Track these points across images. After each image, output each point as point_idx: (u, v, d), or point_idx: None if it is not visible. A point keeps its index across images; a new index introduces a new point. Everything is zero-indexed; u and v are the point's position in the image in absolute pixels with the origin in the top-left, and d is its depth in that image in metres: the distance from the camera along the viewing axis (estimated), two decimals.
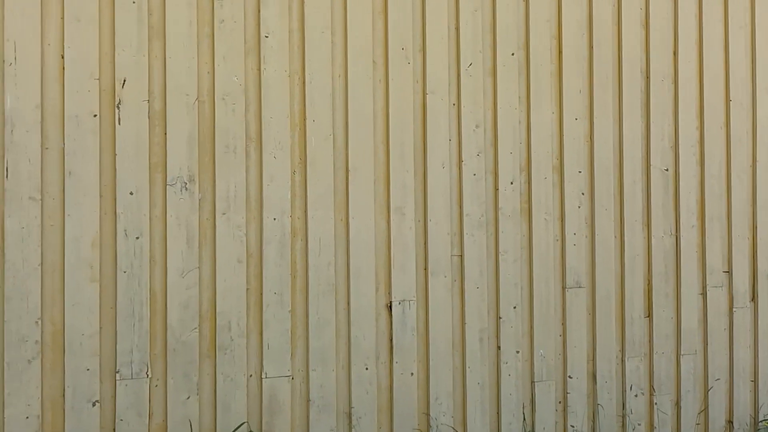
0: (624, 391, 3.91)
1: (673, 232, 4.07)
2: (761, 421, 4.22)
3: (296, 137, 3.28)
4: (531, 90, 3.74)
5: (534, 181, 3.74)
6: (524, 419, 3.64)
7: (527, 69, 3.74)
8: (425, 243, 3.51)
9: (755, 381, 4.26)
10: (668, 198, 4.06)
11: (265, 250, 3.20)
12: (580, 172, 3.85)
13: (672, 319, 4.06)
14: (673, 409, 4.04)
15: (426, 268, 3.50)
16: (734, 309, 4.21)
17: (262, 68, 3.23)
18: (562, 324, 3.80)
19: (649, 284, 4.00)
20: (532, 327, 3.72)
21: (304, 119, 3.28)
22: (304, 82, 3.28)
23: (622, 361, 3.93)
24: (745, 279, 4.23)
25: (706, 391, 4.11)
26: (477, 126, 3.62)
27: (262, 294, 3.19)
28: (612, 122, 3.92)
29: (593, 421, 3.82)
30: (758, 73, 4.29)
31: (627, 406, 3.90)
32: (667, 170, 4.06)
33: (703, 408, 3.96)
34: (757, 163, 4.29)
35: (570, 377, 3.80)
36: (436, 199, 3.53)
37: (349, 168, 3.36)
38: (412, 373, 3.46)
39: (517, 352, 3.69)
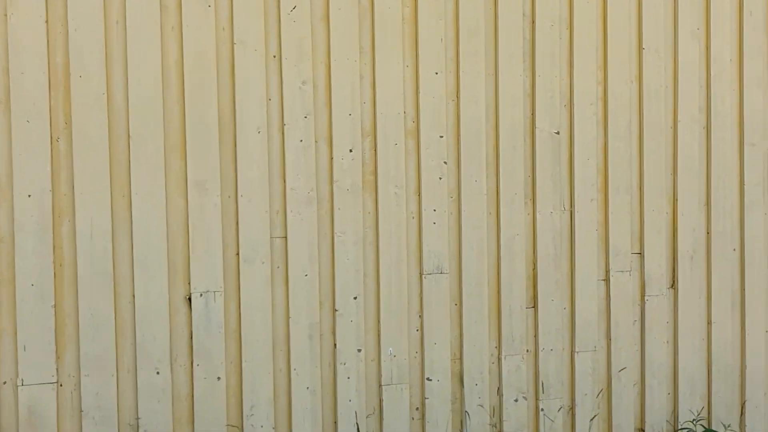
0: (500, 395, 3.28)
1: (567, 206, 3.38)
2: (680, 429, 3.55)
3: (59, 97, 2.70)
4: (376, 38, 3.08)
5: (381, 149, 3.08)
6: (366, 430, 3.05)
7: (372, 12, 3.07)
8: (236, 224, 2.90)
9: (674, 381, 3.57)
10: (560, 167, 3.35)
11: (18, 235, 2.65)
12: (441, 136, 3.17)
13: (565, 309, 3.38)
14: (565, 415, 3.39)
15: (237, 254, 2.91)
16: (646, 297, 3.50)
17: (8, 13, 2.65)
18: (420, 317, 3.15)
19: (534, 269, 3.32)
20: (378, 321, 3.09)
21: (69, 75, 2.70)
22: (67, 30, 2.69)
23: (499, 359, 3.28)
24: (661, 261, 3.51)
25: (610, 394, 3.45)
26: (304, 83, 2.96)
27: (15, 287, 2.66)
28: (484, 76, 3.21)
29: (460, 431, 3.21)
30: (681, 13, 3.55)
31: (504, 412, 3.27)
32: (558, 133, 3.35)
33: (600, 413, 3.29)
34: (679, 123, 3.56)
35: (429, 379, 3.17)
36: (250, 171, 2.89)
37: (131, 134, 2.77)
38: (219, 378, 2.88)
39: (359, 350, 3.06)
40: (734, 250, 3.55)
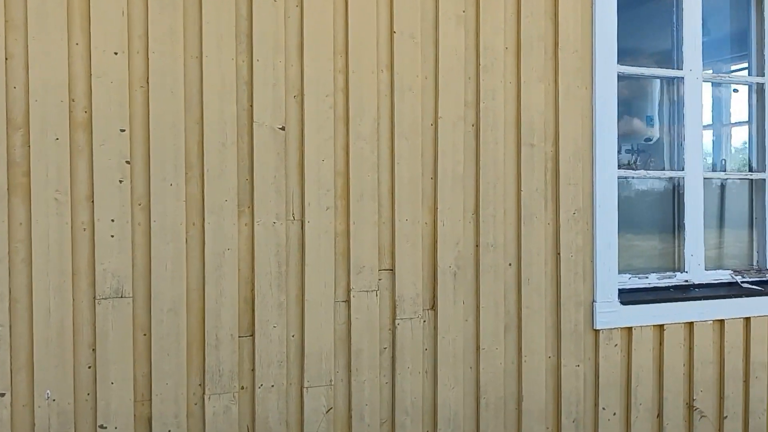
0: None
1: (297, 216, 2.85)
2: None
3: None
4: (30, 9, 2.49)
5: (36, 144, 2.41)
6: None
7: None
8: None
9: (433, 418, 3.06)
10: (286, 169, 2.82)
11: None
12: (123, 130, 2.61)
13: (293, 338, 2.85)
14: None
15: None
16: (398, 321, 3.00)
17: None
18: (93, 350, 2.58)
19: (252, 290, 2.78)
20: (32, 357, 2.51)
21: None
22: None
23: (202, 399, 2.73)
24: (417, 279, 3.02)
25: None
26: None
27: None
28: (184, 59, 2.67)
29: None
30: None
31: None
32: (283, 129, 2.82)
33: None
34: (440, 120, 3.05)
35: (103, 427, 2.59)
36: None
37: None
38: None
39: (2, 394, 2.48)
40: (510, 265, 3.07)
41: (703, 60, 3.49)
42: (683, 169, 3.51)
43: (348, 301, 2.75)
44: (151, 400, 2.48)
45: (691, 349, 3.38)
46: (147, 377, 2.49)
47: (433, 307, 2.89)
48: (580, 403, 3.15)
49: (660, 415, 3.32)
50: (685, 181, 3.51)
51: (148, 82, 2.48)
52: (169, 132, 2.50)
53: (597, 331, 3.19)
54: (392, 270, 2.82)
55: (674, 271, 3.53)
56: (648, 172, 3.48)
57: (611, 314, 3.20)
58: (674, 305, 3.34)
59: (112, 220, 2.44)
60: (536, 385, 3.06)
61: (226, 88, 2.57)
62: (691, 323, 3.38)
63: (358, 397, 2.76)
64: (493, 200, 2.98)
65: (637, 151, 3.67)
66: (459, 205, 2.92)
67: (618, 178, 3.31)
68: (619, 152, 3.28)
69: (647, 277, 3.46)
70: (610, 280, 3.20)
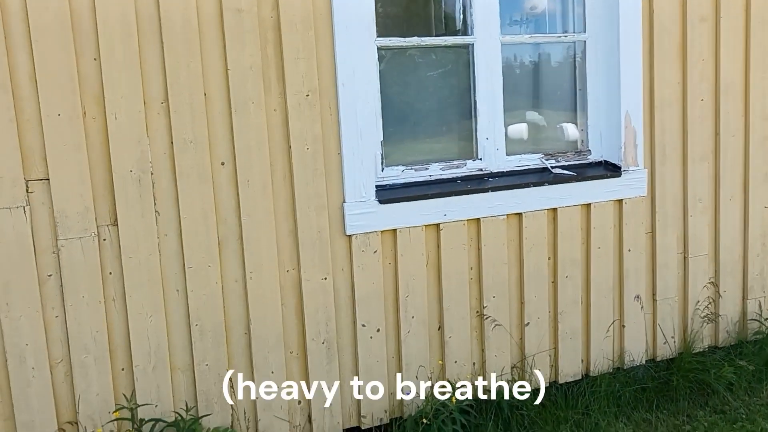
0: None
1: None
2: None
3: None
4: None
5: None
6: None
7: None
8: None
9: (129, 354, 2.50)
10: None
11: None
12: None
13: None
14: None
15: None
16: (61, 241, 2.39)
17: None
18: None
19: None
20: None
21: None
22: None
23: None
24: (84, 189, 2.32)
25: None
26: None
27: None
28: None
29: None
30: None
31: None
32: None
33: None
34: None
35: None
36: None
37: None
38: None
39: None
40: (222, 164, 2.44)
41: None
42: (472, 34, 2.82)
43: None
44: None
45: (479, 249, 2.83)
46: None
47: (116, 222, 2.29)
48: (331, 321, 2.62)
49: (441, 328, 2.81)
50: (475, 48, 2.83)
51: None
52: None
53: (349, 237, 2.61)
54: (47, 179, 2.20)
55: (466, 159, 2.91)
56: (421, 39, 2.78)
57: (367, 215, 2.62)
58: (456, 199, 2.75)
59: None
60: (269, 305, 2.52)
61: None
62: (477, 220, 2.80)
63: (16, 336, 2.22)
64: (187, 84, 2.31)
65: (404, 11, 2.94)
66: (137, 93, 2.26)
67: (379, 48, 2.63)
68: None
69: (427, 168, 2.85)
70: (363, 175, 2.60)
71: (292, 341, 2.60)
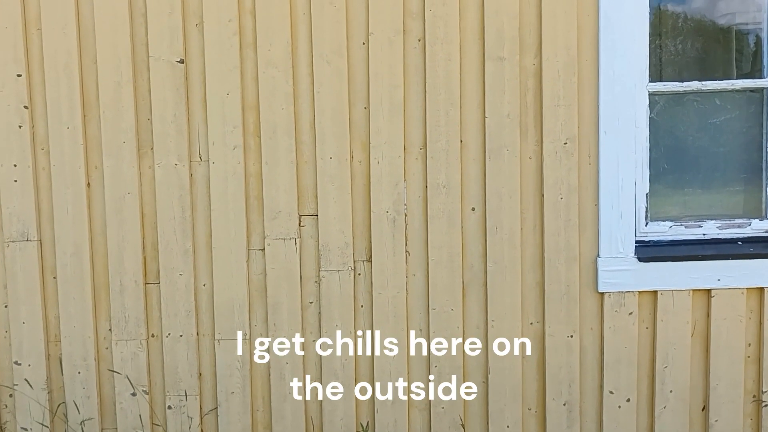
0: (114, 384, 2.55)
1: (204, 157, 2.44)
2: None
3: None
4: None
5: None
6: None
7: None
8: None
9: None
10: (187, 105, 2.45)
11: None
12: (19, 75, 2.37)
13: (204, 287, 2.39)
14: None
15: None
16: (322, 272, 2.49)
17: None
18: (5, 288, 2.54)
19: (156, 235, 2.50)
20: None
21: None
22: None
23: (110, 344, 2.55)
24: (345, 226, 2.41)
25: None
26: None
27: None
28: None
29: None
30: None
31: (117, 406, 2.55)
32: (181, 62, 2.45)
33: None
34: (372, 36, 2.40)
35: (17, 363, 2.56)
36: None
37: None
38: None
39: None
40: (473, 210, 2.42)
41: None
42: (767, 76, 2.46)
43: (263, 250, 2.41)
44: (60, 341, 2.45)
45: (760, 324, 2.42)
46: (57, 319, 2.46)
47: (370, 258, 2.42)
48: (575, 382, 2.44)
49: (706, 409, 2.45)
50: None
51: (41, 26, 2.36)
52: (63, 73, 2.37)
53: (602, 295, 2.42)
54: (316, 215, 2.41)
55: (751, 218, 2.52)
56: (702, 83, 2.49)
57: (623, 273, 2.40)
58: (735, 263, 2.40)
59: (15, 165, 2.40)
60: (508, 356, 2.43)
61: (116, 20, 2.35)
62: (761, 289, 2.40)
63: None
64: (445, 131, 2.37)
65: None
66: (398, 139, 2.37)
67: (651, 94, 2.42)
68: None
69: (700, 226, 2.52)
70: (621, 229, 2.39)
71: (530, 397, 2.46)
